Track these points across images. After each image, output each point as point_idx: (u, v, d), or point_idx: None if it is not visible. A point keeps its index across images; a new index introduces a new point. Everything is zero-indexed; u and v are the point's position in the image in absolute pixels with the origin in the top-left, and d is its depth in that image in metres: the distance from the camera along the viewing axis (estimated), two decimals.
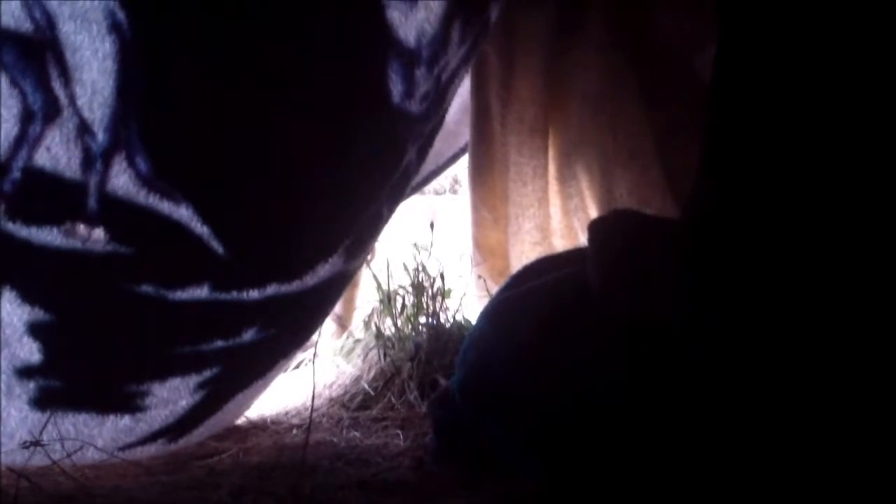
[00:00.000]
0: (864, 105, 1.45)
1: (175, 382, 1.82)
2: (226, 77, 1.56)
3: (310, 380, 2.07)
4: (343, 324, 2.89)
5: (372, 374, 2.53)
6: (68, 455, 1.76)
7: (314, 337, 2.19)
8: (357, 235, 1.90)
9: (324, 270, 1.85)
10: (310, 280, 1.83)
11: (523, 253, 2.74)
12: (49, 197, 1.53)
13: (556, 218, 2.74)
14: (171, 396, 1.84)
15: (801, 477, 1.37)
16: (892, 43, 1.44)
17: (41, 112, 1.46)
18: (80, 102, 1.47)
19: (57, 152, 1.49)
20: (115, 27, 1.44)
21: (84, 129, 1.49)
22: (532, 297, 1.83)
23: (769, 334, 1.44)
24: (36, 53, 1.44)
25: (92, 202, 1.54)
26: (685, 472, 1.45)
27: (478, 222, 2.88)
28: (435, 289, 2.65)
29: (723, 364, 1.46)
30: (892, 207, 1.41)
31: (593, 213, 2.58)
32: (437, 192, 3.81)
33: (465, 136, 2.86)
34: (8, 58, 1.43)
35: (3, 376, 1.67)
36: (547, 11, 2.63)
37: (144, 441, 1.91)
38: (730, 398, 1.44)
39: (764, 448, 1.40)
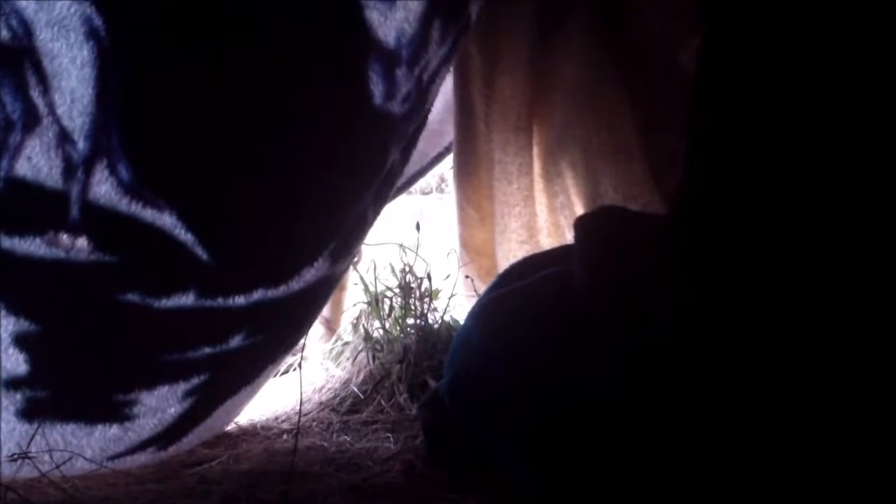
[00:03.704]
0: (851, 98, 1.45)
1: (163, 390, 1.81)
2: (206, 82, 1.55)
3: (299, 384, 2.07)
4: (331, 327, 2.88)
5: (361, 377, 2.53)
6: (57, 466, 1.75)
7: (302, 341, 2.18)
8: (342, 239, 1.90)
9: (310, 275, 1.84)
10: (296, 285, 1.83)
11: (510, 252, 2.74)
12: (31, 206, 1.52)
13: (542, 216, 2.74)
14: (160, 405, 1.83)
15: (794, 476, 1.37)
16: (879, 38, 1.44)
17: (21, 121, 1.45)
18: (59, 111, 1.46)
19: (38, 161, 1.48)
20: (92, 33, 1.43)
21: (64, 137, 1.48)
22: (520, 296, 1.82)
23: (755, 329, 1.44)
24: (13, 62, 1.43)
25: (74, 211, 1.53)
26: (677, 470, 1.45)
27: (464, 221, 2.88)
28: (422, 290, 2.65)
29: (711, 360, 1.46)
30: (881, 206, 1.41)
31: (579, 209, 2.58)
32: (423, 192, 3.82)
33: (450, 135, 2.86)
34: None
35: None
36: (528, 8, 2.63)
37: (133, 450, 1.90)
38: (718, 394, 1.44)
39: (755, 446, 1.39)
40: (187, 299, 1.69)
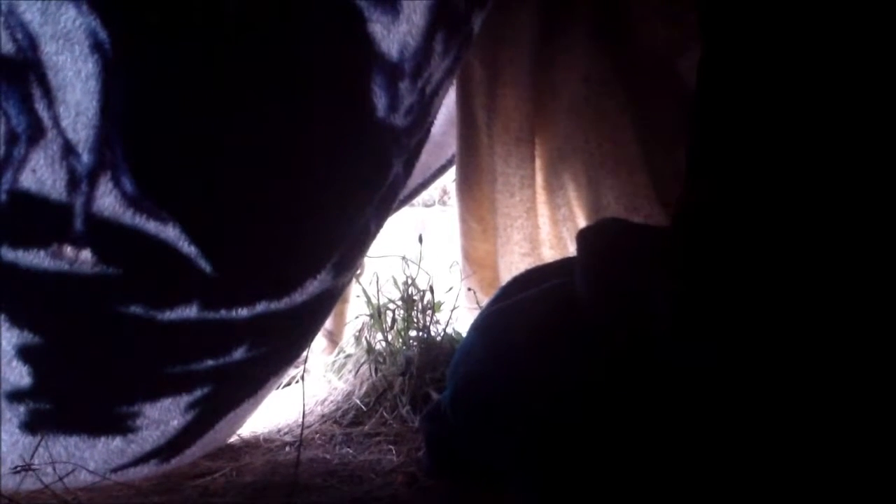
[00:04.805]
0: (850, 108, 1.46)
1: (166, 403, 1.81)
2: (209, 96, 1.56)
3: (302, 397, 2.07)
4: (334, 339, 2.88)
5: (363, 389, 2.52)
6: (60, 478, 1.75)
7: (305, 353, 2.18)
8: (345, 251, 1.90)
9: (312, 287, 1.84)
10: (299, 297, 1.83)
11: (512, 264, 2.74)
12: (35, 219, 1.52)
13: (544, 228, 2.74)
14: (163, 417, 1.83)
15: (796, 478, 1.37)
16: (876, 44, 1.44)
17: (25, 134, 1.46)
18: (64, 123, 1.47)
19: (42, 174, 1.48)
20: (97, 47, 1.44)
21: (69, 150, 1.48)
22: (522, 308, 1.82)
23: (759, 339, 1.44)
24: (19, 75, 1.43)
25: (78, 224, 1.53)
26: (680, 481, 1.45)
27: (466, 234, 2.88)
28: (425, 302, 2.65)
29: (713, 369, 1.46)
30: (883, 209, 1.41)
31: (581, 222, 2.58)
32: (426, 204, 3.81)
33: (452, 147, 2.86)
34: None
35: None
36: (530, 20, 2.63)
37: (136, 462, 1.90)
38: (722, 404, 1.44)
39: (758, 451, 1.39)
40: (190, 312, 1.69)
